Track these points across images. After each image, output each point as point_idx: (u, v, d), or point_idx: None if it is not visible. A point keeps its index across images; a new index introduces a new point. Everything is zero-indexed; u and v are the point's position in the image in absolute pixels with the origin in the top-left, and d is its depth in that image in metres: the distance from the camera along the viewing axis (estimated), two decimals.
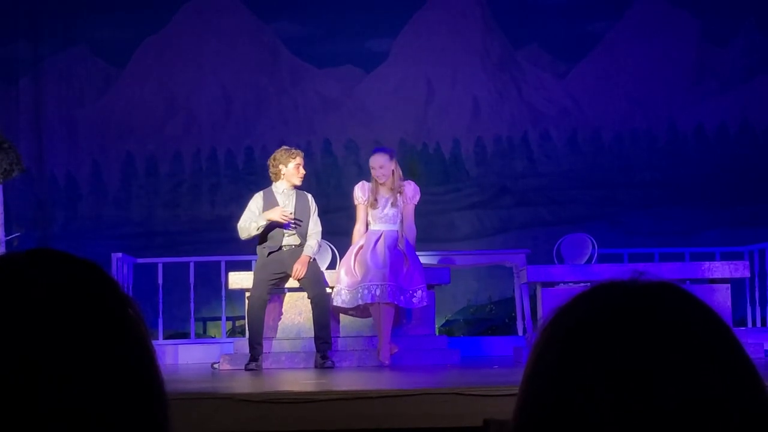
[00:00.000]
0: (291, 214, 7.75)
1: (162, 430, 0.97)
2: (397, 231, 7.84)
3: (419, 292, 7.73)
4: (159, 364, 0.99)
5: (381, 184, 7.87)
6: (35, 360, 0.92)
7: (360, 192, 7.94)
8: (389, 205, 7.84)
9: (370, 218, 7.91)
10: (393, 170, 7.86)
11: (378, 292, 7.61)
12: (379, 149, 8.22)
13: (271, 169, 7.96)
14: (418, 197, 7.96)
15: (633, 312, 0.97)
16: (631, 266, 1.04)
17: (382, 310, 7.62)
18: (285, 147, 8.06)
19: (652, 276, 1.02)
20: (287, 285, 8.05)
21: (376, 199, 7.84)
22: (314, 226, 7.97)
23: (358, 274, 7.73)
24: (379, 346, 7.67)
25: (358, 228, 7.96)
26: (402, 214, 7.88)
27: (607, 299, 1.00)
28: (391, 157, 7.92)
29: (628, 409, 0.92)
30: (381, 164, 7.86)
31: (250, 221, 7.84)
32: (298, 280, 7.84)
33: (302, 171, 7.94)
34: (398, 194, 7.86)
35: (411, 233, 7.90)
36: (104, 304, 0.97)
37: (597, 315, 0.98)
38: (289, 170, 7.87)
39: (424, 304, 7.80)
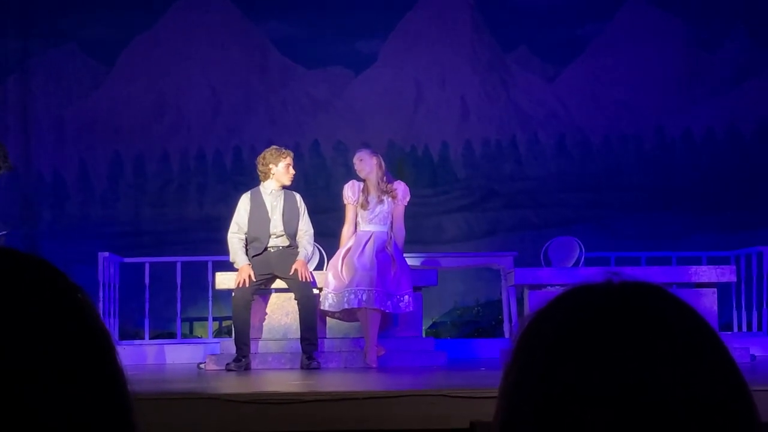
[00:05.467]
0: (252, 279, 7.72)
1: (125, 412, 0.97)
2: (387, 232, 7.84)
3: (406, 297, 7.72)
4: (115, 346, 0.99)
5: (364, 179, 7.87)
6: None
7: (350, 192, 7.93)
8: (378, 205, 7.83)
9: (359, 219, 7.90)
10: (375, 167, 7.85)
11: (365, 298, 7.60)
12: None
13: (260, 168, 7.93)
14: (408, 198, 7.97)
15: (614, 315, 0.97)
16: (607, 268, 1.03)
17: (368, 315, 7.61)
18: (275, 146, 8.04)
19: (626, 277, 1.02)
20: (274, 286, 8.04)
21: (366, 200, 7.83)
22: (305, 227, 7.95)
23: (345, 277, 7.72)
24: (365, 349, 7.66)
25: (347, 229, 7.94)
26: (392, 215, 7.88)
27: (587, 303, 0.99)
28: (373, 153, 7.94)
29: (616, 413, 0.92)
30: (361, 158, 7.89)
31: (235, 251, 7.84)
32: (286, 280, 7.83)
33: (292, 171, 7.93)
34: (387, 195, 7.86)
35: (400, 234, 7.90)
36: (54, 293, 0.97)
37: (579, 320, 0.98)
38: (279, 170, 7.86)
39: (410, 309, 7.80)
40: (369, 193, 7.85)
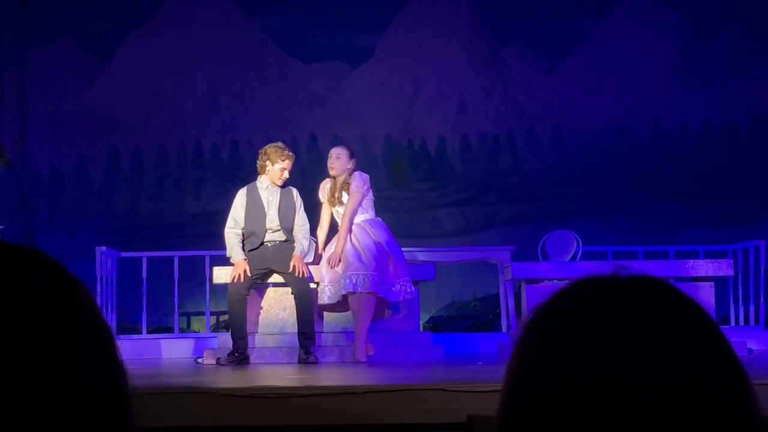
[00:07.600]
0: (247, 274, 7.71)
1: (125, 405, 0.97)
2: (360, 222, 7.76)
3: (398, 285, 7.68)
4: (115, 340, 0.99)
5: (333, 177, 7.80)
6: None
7: (321, 192, 7.92)
8: (344, 203, 7.76)
9: (335, 216, 7.89)
10: (345, 173, 7.74)
11: (359, 282, 7.57)
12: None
13: (259, 162, 7.90)
14: (363, 186, 7.69)
15: (618, 308, 0.97)
16: (612, 262, 1.03)
17: (362, 301, 7.54)
18: (281, 145, 7.93)
19: (633, 270, 1.02)
20: (271, 280, 8.03)
21: (334, 196, 7.79)
22: (301, 222, 7.93)
23: (339, 268, 7.71)
24: (355, 344, 7.62)
25: (319, 229, 7.96)
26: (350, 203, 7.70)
27: (591, 295, 1.00)
28: (351, 157, 7.81)
29: (617, 406, 0.92)
30: (339, 155, 7.78)
31: (231, 246, 7.83)
32: (283, 275, 7.83)
33: (286, 175, 7.84)
34: (345, 191, 7.75)
35: (344, 220, 7.68)
36: (54, 286, 0.97)
37: (582, 312, 0.98)
38: (274, 170, 7.81)
39: (401, 298, 7.74)
40: (336, 189, 7.80)
